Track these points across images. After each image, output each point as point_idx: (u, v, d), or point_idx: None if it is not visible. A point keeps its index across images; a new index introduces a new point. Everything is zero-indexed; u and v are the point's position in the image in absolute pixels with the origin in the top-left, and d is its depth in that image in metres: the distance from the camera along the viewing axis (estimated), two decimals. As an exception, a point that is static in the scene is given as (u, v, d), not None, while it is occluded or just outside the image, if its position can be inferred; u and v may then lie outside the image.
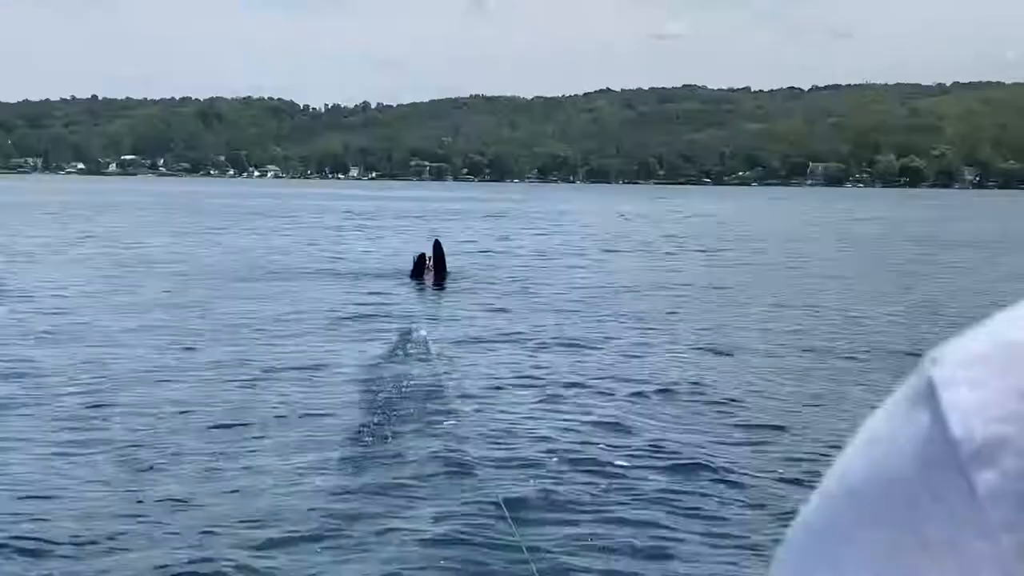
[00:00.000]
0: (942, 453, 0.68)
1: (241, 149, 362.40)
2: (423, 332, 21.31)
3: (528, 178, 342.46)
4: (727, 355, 19.40)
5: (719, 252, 48.01)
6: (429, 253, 34.22)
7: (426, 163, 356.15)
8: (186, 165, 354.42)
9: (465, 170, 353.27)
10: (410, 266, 34.08)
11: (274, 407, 14.80)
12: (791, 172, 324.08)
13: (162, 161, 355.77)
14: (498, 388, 16.02)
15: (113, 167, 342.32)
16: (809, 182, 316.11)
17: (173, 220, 71.04)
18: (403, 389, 16.02)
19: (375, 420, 14.02)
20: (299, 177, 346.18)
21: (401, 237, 55.31)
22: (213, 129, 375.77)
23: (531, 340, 20.90)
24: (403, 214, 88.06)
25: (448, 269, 33.57)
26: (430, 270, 33.31)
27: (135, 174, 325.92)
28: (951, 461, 0.67)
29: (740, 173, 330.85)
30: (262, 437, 13.11)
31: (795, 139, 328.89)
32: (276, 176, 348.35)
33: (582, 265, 40.36)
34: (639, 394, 15.72)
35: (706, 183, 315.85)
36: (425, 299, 29.88)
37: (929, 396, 0.71)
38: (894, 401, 0.73)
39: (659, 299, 28.87)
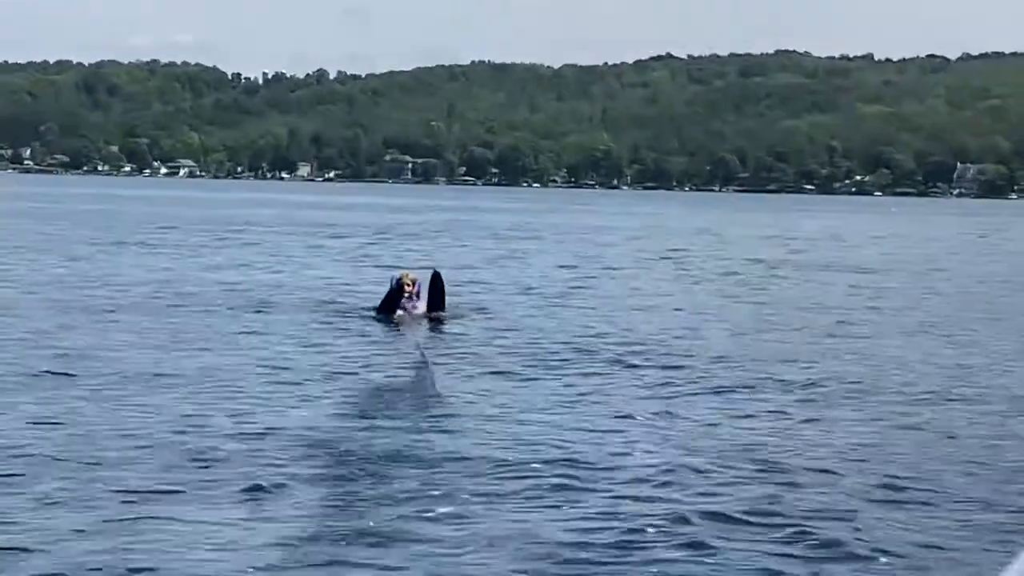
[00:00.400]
0: None
1: (142, 136, 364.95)
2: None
3: (553, 181, 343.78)
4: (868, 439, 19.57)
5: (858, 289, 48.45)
6: (413, 275, 34.62)
7: (408, 159, 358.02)
8: (63, 158, 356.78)
9: (463, 169, 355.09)
10: (380, 298, 34.45)
11: (219, 503, 15.13)
12: (930, 176, 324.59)
13: (29, 152, 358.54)
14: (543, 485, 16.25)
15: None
16: (956, 191, 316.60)
17: (51, 233, 71.66)
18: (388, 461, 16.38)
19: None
20: (225, 176, 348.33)
21: (366, 262, 55.67)
22: (102, 107, 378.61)
23: (574, 409, 21.25)
24: (380, 230, 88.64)
25: (446, 311, 33.96)
26: (413, 301, 33.60)
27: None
28: None
29: (857, 177, 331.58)
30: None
31: (936, 130, 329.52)
32: (192, 174, 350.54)
33: (650, 304, 40.66)
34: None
35: (808, 191, 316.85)
36: (411, 342, 30.19)
37: None
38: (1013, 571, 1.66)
39: (757, 362, 29.11)
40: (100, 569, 12.06)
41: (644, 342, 30.00)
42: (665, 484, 15.94)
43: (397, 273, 35.56)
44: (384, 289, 34.98)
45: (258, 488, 15.31)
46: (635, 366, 26.15)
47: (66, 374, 23.30)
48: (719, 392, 23.14)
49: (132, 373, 23.60)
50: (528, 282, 47.23)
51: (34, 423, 18.77)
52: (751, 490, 15.70)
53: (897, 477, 16.56)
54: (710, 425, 20.02)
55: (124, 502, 14.52)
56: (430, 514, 14.26)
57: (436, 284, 33.97)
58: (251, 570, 12.21)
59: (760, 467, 16.95)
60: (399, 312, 33.18)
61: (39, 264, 49.87)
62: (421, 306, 33.70)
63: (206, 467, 16.34)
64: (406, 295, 33.50)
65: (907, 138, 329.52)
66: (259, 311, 35.19)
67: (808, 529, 13.88)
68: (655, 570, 12.51)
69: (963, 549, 13.44)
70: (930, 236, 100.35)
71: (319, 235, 79.61)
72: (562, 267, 55.78)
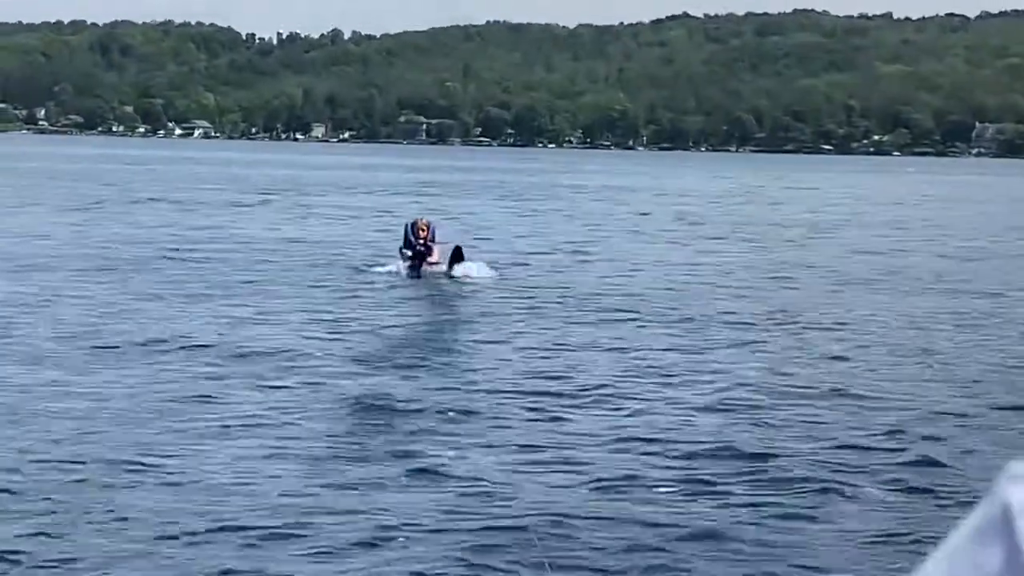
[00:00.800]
0: None
1: (156, 96, 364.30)
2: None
3: (568, 141, 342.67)
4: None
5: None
6: (427, 220, 34.80)
7: (423, 119, 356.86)
8: (77, 118, 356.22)
9: (479, 130, 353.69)
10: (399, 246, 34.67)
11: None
12: (949, 136, 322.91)
13: (43, 112, 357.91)
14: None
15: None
16: (975, 150, 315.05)
17: (65, 193, 72.11)
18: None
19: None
20: (240, 136, 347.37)
21: (390, 220, 56.06)
22: (117, 67, 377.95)
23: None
24: (388, 187, 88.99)
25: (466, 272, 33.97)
26: (429, 249, 33.70)
27: (5, 130, 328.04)
28: None
29: (875, 137, 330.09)
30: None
31: (955, 89, 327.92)
32: (206, 135, 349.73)
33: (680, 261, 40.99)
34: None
35: (825, 151, 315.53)
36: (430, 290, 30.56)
37: (1004, 526, 0.83)
38: (959, 535, 0.90)
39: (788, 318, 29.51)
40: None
41: (664, 297, 30.39)
42: (675, 435, 16.38)
43: (411, 218, 35.83)
44: (400, 233, 35.26)
45: (277, 434, 15.77)
46: (654, 321, 26.57)
47: (99, 328, 23.88)
48: (739, 345, 23.55)
49: (164, 325, 24.15)
50: (550, 240, 47.54)
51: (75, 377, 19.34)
52: (766, 435, 16.19)
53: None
54: (732, 375, 20.46)
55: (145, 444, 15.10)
56: (437, 461, 14.71)
57: (457, 254, 34.02)
58: (268, 506, 12.73)
59: (785, 415, 17.41)
60: (424, 267, 33.37)
61: (77, 223, 50.44)
62: (437, 254, 33.80)
63: (225, 413, 16.84)
64: (420, 240, 33.63)
65: (926, 97, 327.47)
66: (284, 268, 35.68)
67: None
68: (661, 515, 12.89)
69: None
70: (945, 195, 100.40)
71: (341, 193, 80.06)
72: (584, 226, 56.09)
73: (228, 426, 16.19)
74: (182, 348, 21.76)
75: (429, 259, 33.55)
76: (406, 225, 34.87)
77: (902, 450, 15.58)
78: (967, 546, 0.86)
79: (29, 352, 21.16)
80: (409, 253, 33.77)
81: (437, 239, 34.47)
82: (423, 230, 33.96)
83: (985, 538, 0.83)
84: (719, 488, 13.80)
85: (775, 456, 15.12)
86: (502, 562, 11.19)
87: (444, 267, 33.71)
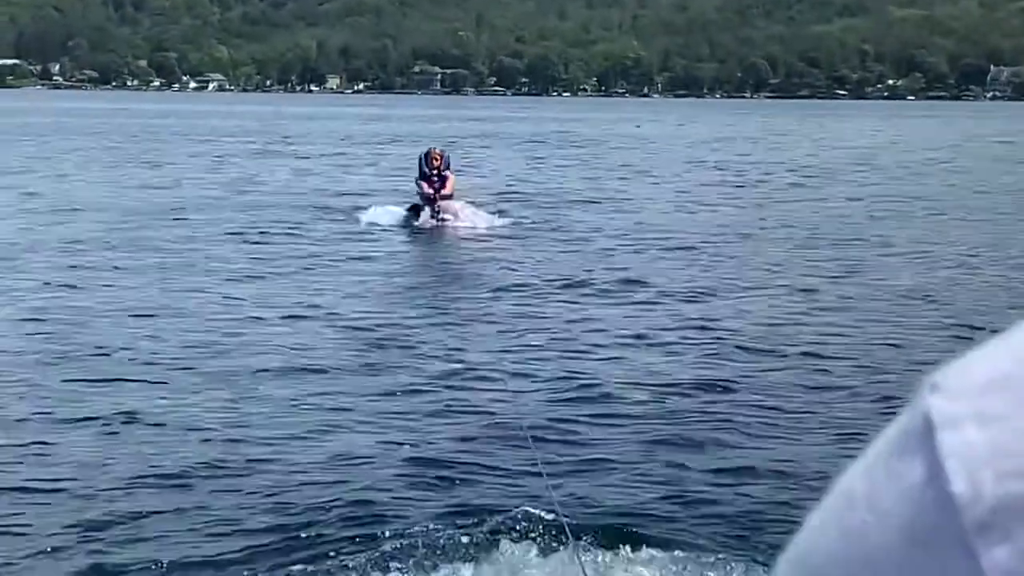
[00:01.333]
0: (938, 520, 0.71)
1: (170, 50, 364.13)
2: None
3: (583, 90, 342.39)
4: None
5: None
6: (440, 150, 34.94)
7: (437, 69, 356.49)
8: (92, 73, 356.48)
9: (493, 79, 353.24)
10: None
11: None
12: (963, 80, 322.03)
13: (58, 67, 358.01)
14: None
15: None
16: (989, 94, 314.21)
17: (88, 148, 72.53)
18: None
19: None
20: (254, 89, 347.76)
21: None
22: (130, 21, 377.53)
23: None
24: (405, 137, 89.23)
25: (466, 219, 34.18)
26: (444, 179, 33.89)
27: (19, 86, 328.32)
28: (950, 531, 0.70)
29: (889, 82, 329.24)
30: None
31: (969, 32, 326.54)
32: (221, 88, 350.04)
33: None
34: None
35: (840, 96, 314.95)
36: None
37: (924, 438, 0.80)
38: (878, 446, 0.86)
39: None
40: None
41: (683, 242, 30.74)
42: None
43: (425, 148, 36.06)
44: (415, 165, 35.63)
45: (296, 369, 16.37)
46: (674, 260, 27.02)
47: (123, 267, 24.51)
48: (758, 286, 23.97)
49: (181, 264, 24.92)
50: (571, 187, 47.84)
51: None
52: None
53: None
54: (755, 311, 20.93)
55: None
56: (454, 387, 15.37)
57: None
58: (294, 435, 13.33)
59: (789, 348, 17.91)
60: (436, 206, 33.46)
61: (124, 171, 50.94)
62: (451, 185, 33.95)
63: (247, 349, 17.48)
64: (434, 170, 33.77)
65: (940, 41, 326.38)
66: (295, 209, 36.34)
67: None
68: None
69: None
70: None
71: (359, 144, 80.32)
72: (600, 173, 56.25)
73: (258, 357, 16.72)
74: (208, 294, 22.26)
75: (443, 191, 33.68)
76: (420, 155, 35.06)
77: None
78: (886, 459, 0.79)
79: (63, 288, 21.81)
80: (427, 187, 33.89)
81: (452, 168, 34.68)
82: (436, 159, 33.95)
83: (905, 451, 0.77)
84: (737, 417, 14.15)
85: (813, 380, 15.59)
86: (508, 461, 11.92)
87: (452, 208, 33.75)
